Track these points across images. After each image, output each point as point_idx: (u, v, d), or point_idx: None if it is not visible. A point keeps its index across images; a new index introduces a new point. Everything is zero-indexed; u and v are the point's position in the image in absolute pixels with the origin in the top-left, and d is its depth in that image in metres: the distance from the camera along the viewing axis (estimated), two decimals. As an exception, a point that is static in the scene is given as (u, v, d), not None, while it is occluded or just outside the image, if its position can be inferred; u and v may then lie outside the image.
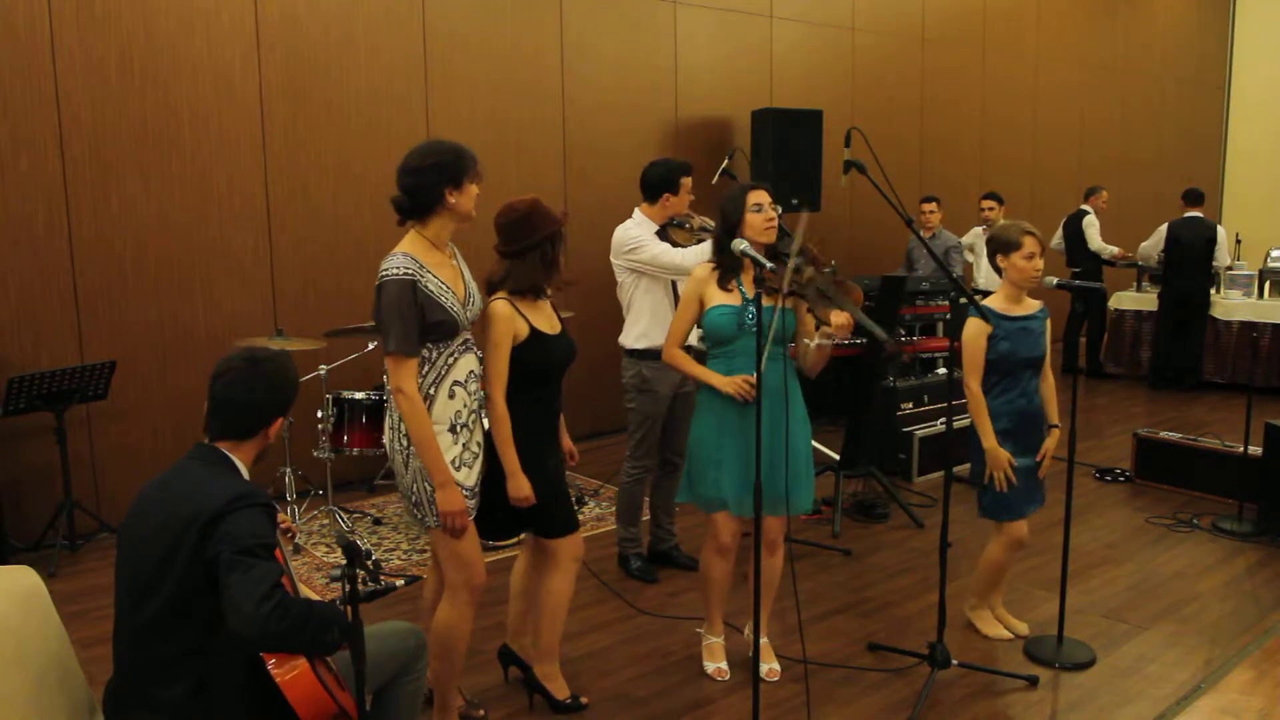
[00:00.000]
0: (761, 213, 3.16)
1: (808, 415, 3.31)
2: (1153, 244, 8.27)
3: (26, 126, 4.69)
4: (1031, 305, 3.50)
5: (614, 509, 4.44)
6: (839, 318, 3.08)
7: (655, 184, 4.07)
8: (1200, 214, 8.15)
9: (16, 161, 4.68)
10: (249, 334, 5.20)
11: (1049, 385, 3.57)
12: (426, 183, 2.67)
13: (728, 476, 3.21)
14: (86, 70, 4.82)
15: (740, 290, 3.20)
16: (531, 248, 2.93)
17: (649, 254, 3.99)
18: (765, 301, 3.05)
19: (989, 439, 3.41)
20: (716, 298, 3.21)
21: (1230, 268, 8.49)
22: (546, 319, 3.03)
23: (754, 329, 3.12)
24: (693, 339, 3.62)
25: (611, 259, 4.13)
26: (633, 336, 4.10)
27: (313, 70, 5.52)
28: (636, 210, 4.15)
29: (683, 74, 7.25)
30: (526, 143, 6.44)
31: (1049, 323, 3.56)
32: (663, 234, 4.11)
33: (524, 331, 2.92)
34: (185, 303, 5.19)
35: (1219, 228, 8.14)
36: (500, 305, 2.93)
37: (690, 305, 3.27)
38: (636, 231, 4.05)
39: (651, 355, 3.96)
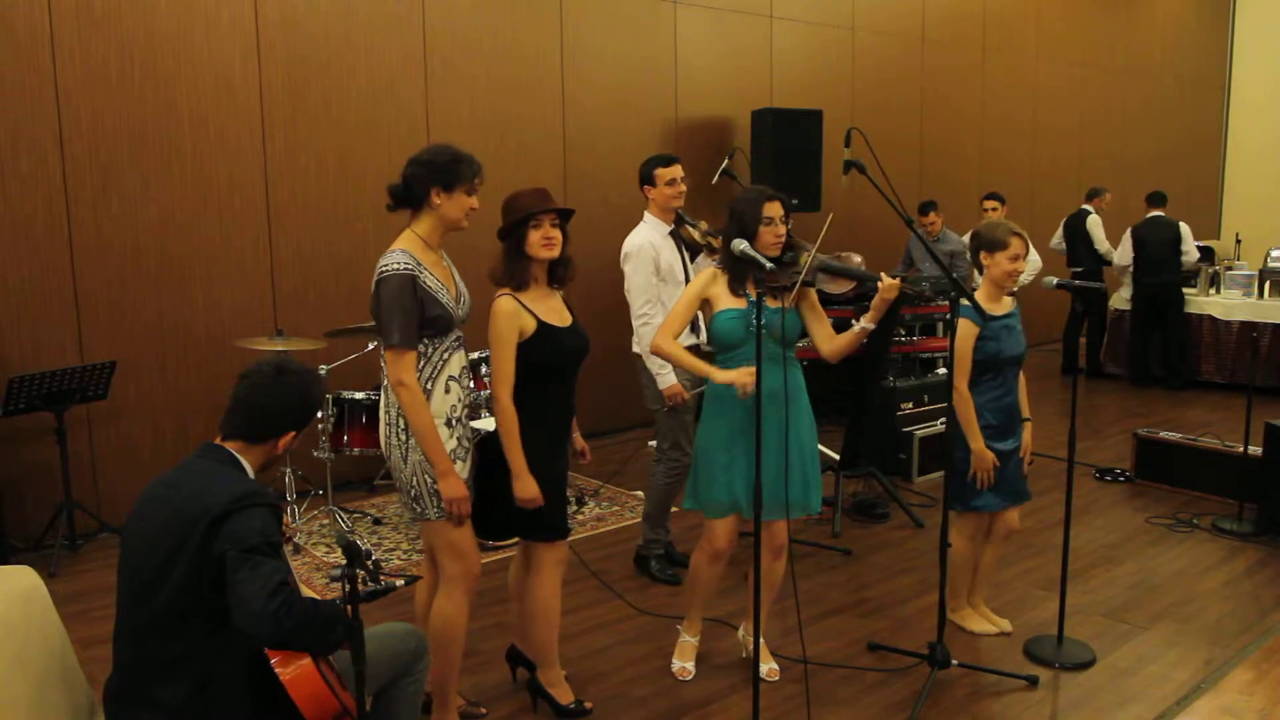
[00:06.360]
0: (772, 226, 3.10)
1: (814, 417, 3.29)
2: (1123, 252, 8.44)
3: (26, 126, 4.69)
4: (1008, 304, 3.54)
5: (615, 509, 4.44)
6: (886, 288, 3.01)
7: (641, 178, 4.16)
8: (1163, 214, 8.32)
9: (16, 161, 4.68)
10: (249, 334, 5.20)
11: (1021, 380, 3.62)
12: (419, 177, 2.77)
13: (739, 479, 3.17)
14: (86, 70, 4.82)
15: (745, 295, 3.15)
16: (506, 234, 2.90)
17: (632, 284, 4.01)
18: (769, 304, 3.04)
19: (978, 441, 3.43)
20: (725, 301, 3.13)
21: (1231, 268, 8.50)
22: (555, 312, 2.96)
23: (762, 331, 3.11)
24: (694, 339, 3.58)
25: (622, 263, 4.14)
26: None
27: (313, 70, 5.52)
28: (646, 213, 4.17)
29: (683, 74, 7.25)
30: (526, 143, 6.44)
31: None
32: (675, 234, 4.15)
33: (530, 326, 2.86)
34: (185, 302, 5.19)
35: (1181, 224, 8.24)
36: (503, 301, 2.87)
37: (692, 302, 3.18)
38: (635, 248, 4.04)
39: None
